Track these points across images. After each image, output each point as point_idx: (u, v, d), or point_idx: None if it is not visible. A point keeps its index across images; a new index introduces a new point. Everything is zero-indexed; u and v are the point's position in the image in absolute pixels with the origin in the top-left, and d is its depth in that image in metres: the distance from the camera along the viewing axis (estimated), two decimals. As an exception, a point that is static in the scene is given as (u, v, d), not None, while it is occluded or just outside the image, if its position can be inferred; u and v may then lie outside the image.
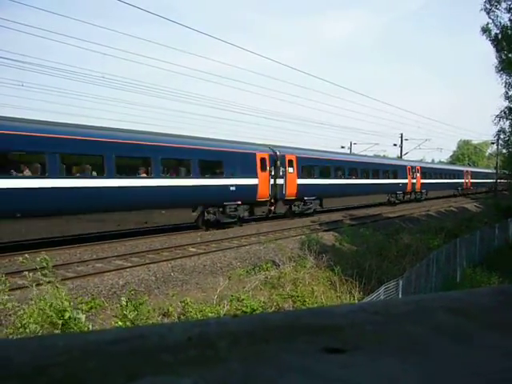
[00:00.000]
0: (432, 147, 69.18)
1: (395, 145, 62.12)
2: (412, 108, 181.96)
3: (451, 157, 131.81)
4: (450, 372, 0.49)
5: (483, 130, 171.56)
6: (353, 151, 60.02)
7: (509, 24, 29.75)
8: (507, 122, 32.88)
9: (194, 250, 19.00)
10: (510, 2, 29.32)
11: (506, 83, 32.34)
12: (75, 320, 9.22)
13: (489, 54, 32.58)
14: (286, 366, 0.48)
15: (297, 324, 0.57)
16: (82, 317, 9.38)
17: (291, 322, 0.58)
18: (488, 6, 29.90)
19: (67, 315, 9.18)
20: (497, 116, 32.41)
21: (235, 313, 11.69)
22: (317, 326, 0.56)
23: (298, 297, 14.15)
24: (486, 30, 31.27)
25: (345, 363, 0.49)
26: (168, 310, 12.04)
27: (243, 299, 12.80)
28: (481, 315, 0.63)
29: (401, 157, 62.46)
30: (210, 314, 11.57)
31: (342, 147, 64.07)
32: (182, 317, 11.85)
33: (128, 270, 15.32)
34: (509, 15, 29.46)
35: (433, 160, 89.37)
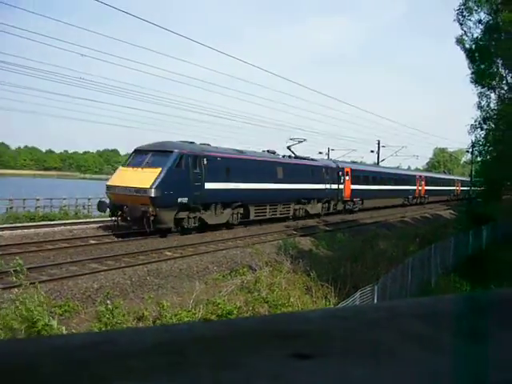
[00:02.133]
0: (408, 154, 70.28)
1: (372, 151, 62.62)
2: (390, 116, 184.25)
3: (427, 164, 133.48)
4: (418, 378, 0.50)
5: (459, 138, 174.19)
6: (330, 157, 60.67)
7: (480, 36, 30.28)
8: (481, 132, 33.42)
9: (170, 253, 18.89)
10: (481, 14, 29.88)
11: (478, 94, 32.89)
12: (47, 326, 9.08)
13: (464, 64, 33.19)
14: (254, 371, 0.47)
15: (268, 329, 0.57)
16: (54, 323, 9.24)
17: (263, 327, 0.57)
18: (460, 17, 30.46)
19: (40, 324, 9.03)
20: (472, 126, 32.92)
21: (209, 317, 11.65)
22: (288, 332, 0.56)
23: (274, 301, 14.13)
24: (460, 41, 31.87)
25: (312, 369, 0.49)
26: (143, 314, 11.94)
27: (219, 303, 12.74)
28: (450, 322, 0.63)
29: (378, 163, 63.07)
30: (185, 319, 11.50)
31: (320, 153, 64.77)
32: (157, 321, 11.76)
33: (103, 273, 15.15)
34: (481, 27, 30.00)
35: (409, 167, 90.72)
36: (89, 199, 37.47)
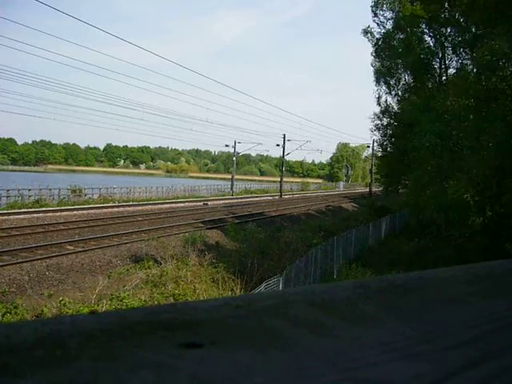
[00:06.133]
0: (313, 148, 72.07)
1: (278, 145, 63.68)
2: (297, 111, 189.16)
3: (331, 158, 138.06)
4: (308, 363, 0.50)
5: (361, 134, 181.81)
6: (237, 150, 61.66)
7: (388, 30, 31.56)
8: (381, 123, 35.10)
9: (71, 247, 18.23)
10: (392, 13, 31.23)
11: (379, 90, 34.50)
12: None
13: (367, 65, 34.79)
14: (138, 362, 0.46)
15: (157, 320, 0.55)
16: None
17: (151, 318, 0.56)
18: (375, 8, 31.64)
19: None
20: (373, 117, 34.52)
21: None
22: (177, 322, 0.55)
23: (179, 295, 14.07)
24: (367, 32, 32.82)
25: (201, 357, 0.48)
26: (42, 310, 11.48)
27: (123, 298, 12.51)
28: (340, 308, 0.65)
29: (283, 157, 64.37)
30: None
31: (226, 145, 65.70)
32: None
33: (-2, 269, 14.37)
34: (392, 23, 31.27)
35: (313, 161, 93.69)
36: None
